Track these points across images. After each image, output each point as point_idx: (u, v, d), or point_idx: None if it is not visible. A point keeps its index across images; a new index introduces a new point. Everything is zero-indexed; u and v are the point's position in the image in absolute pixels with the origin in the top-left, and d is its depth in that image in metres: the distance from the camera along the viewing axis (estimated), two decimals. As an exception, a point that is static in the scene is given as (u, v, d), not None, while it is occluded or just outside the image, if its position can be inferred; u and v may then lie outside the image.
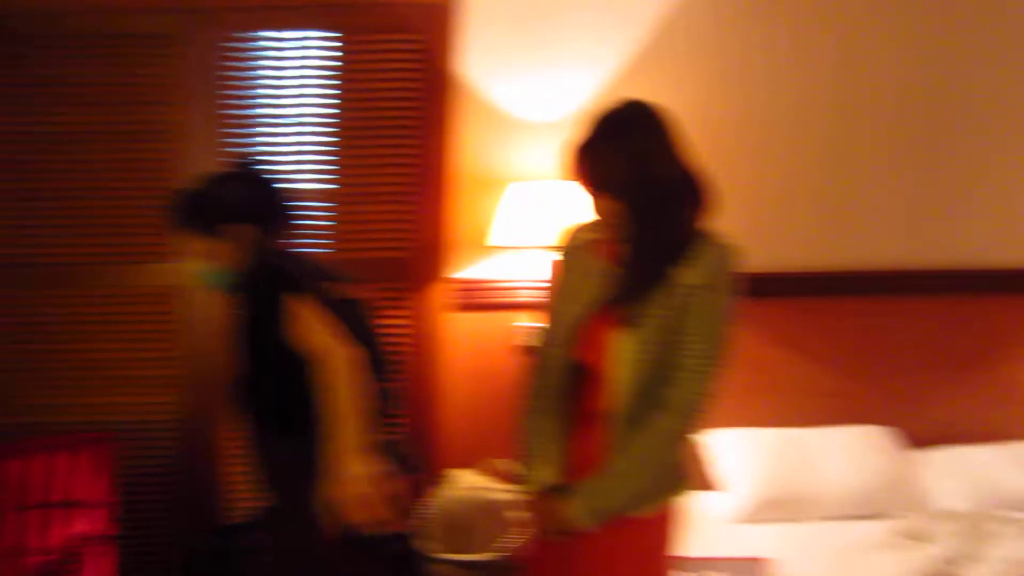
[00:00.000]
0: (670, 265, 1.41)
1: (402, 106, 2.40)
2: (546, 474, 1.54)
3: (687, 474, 1.57)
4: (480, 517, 2.26)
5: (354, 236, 2.46)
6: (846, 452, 2.46)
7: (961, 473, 2.45)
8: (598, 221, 1.56)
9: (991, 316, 2.69)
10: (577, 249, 1.57)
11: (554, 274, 1.62)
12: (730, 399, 2.58)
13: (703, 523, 2.34)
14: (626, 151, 1.38)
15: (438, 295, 2.50)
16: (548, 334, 1.59)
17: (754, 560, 2.03)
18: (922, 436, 2.63)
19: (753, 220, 2.57)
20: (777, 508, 2.36)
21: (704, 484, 2.51)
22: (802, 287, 2.61)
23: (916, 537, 2.07)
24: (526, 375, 1.63)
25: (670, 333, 1.42)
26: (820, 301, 2.62)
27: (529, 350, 1.67)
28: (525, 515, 1.60)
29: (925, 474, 2.48)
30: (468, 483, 2.35)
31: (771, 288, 2.59)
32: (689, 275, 1.40)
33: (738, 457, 2.47)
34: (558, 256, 1.61)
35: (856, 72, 2.55)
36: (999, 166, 2.65)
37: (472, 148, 2.46)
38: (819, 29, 2.51)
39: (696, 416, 1.46)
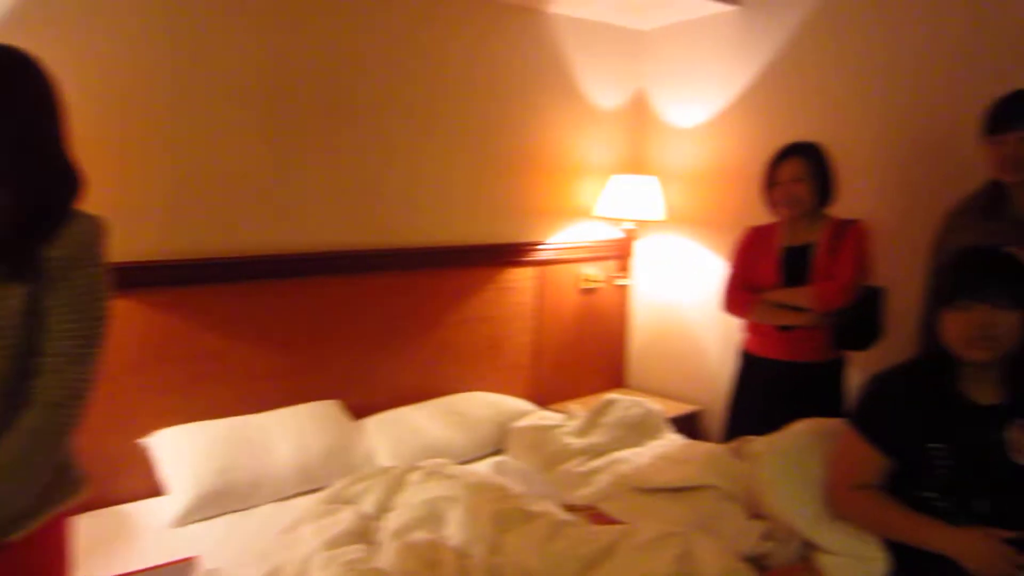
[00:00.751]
0: (34, 238, 1.23)
1: None
2: None
3: (78, 475, 1.37)
4: None
5: None
6: (294, 431, 2.51)
7: (395, 432, 2.71)
8: None
9: (425, 288, 3.05)
10: None
11: None
12: (172, 395, 2.45)
13: (139, 533, 2.16)
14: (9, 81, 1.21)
15: None
16: None
17: (180, 562, 1.92)
18: (371, 404, 2.86)
19: (197, 206, 2.46)
20: (226, 500, 2.29)
21: (146, 490, 2.32)
22: (243, 271, 2.57)
23: (344, 500, 2.19)
24: None
25: (33, 316, 1.22)
26: (263, 285, 2.62)
27: None
28: None
29: (369, 440, 2.67)
30: None
31: (211, 274, 2.50)
32: (54, 250, 1.23)
33: (181, 455, 2.33)
34: None
35: (282, 63, 2.60)
36: (421, 159, 3.00)
37: None
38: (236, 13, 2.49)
39: (77, 406, 1.27)
